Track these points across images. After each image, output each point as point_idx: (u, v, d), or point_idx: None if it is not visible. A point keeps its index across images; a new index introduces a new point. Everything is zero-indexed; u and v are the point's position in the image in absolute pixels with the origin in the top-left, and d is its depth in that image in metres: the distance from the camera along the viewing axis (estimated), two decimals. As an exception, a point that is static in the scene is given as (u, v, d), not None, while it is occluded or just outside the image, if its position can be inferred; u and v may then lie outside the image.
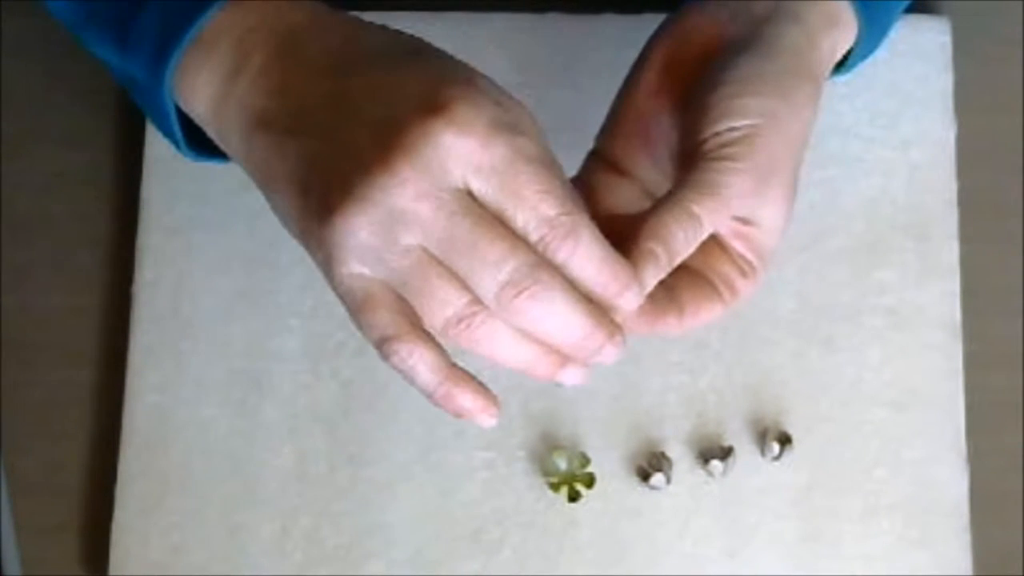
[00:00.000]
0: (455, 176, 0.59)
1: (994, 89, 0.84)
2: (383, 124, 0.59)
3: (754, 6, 0.68)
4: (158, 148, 0.83)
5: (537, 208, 0.60)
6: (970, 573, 0.77)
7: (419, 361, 0.61)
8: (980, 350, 0.80)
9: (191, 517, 0.78)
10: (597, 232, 0.61)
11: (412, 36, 0.64)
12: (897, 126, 0.82)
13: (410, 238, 0.59)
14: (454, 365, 0.62)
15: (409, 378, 0.62)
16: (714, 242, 0.66)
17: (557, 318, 0.60)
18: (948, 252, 0.81)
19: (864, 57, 0.72)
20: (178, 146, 0.69)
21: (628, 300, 0.61)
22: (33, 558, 0.79)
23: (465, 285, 0.60)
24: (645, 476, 0.78)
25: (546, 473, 0.78)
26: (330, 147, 0.61)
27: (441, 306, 0.60)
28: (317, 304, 0.81)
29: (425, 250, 0.60)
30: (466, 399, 0.62)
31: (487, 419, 0.63)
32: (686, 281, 0.66)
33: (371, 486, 0.79)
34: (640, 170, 0.68)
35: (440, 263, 0.60)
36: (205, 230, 0.82)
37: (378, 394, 0.80)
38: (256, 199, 0.82)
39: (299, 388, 0.80)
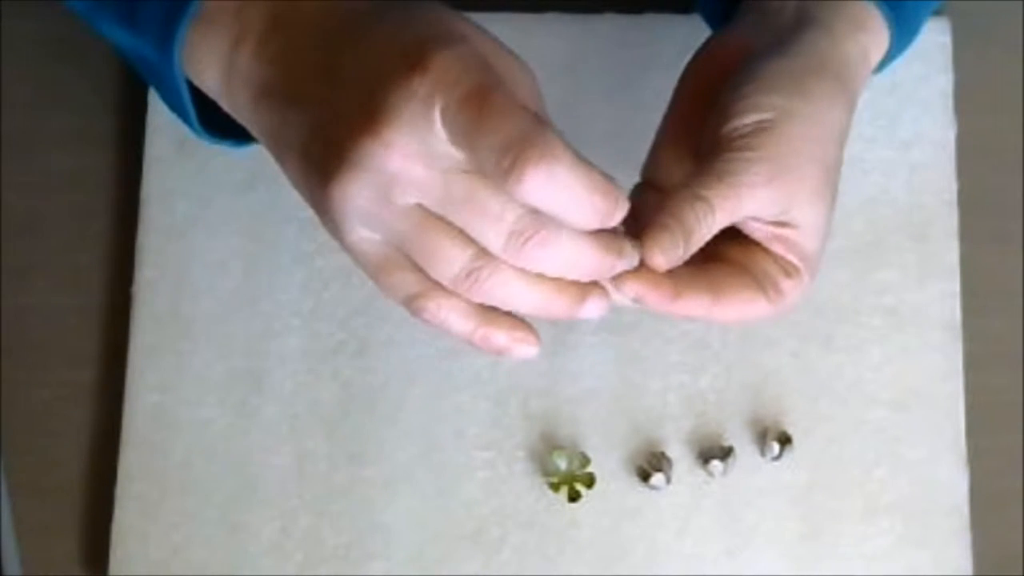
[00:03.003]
0: (442, 131, 0.59)
1: (994, 89, 0.84)
2: (370, 87, 0.59)
3: (778, 21, 0.69)
4: (158, 148, 0.83)
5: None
6: (970, 573, 0.77)
7: (450, 312, 0.62)
8: (980, 350, 0.80)
9: (191, 517, 0.78)
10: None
11: None
12: (897, 126, 0.82)
13: (407, 199, 0.59)
14: (484, 307, 0.62)
15: (444, 330, 0.62)
16: (757, 244, 0.66)
17: (567, 255, 0.60)
18: (948, 252, 0.81)
19: (894, 58, 0.72)
20: (192, 126, 0.69)
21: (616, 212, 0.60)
22: (33, 558, 0.79)
23: (468, 239, 0.60)
24: (645, 476, 0.78)
25: (546, 473, 0.78)
26: (325, 114, 0.61)
27: (447, 263, 0.60)
28: (317, 304, 0.81)
29: (424, 209, 0.60)
30: (503, 337, 0.63)
31: (528, 350, 0.63)
32: (727, 271, 0.65)
33: (371, 486, 0.79)
34: None
35: (441, 220, 0.60)
36: (205, 230, 0.82)
37: (378, 394, 0.80)
38: (256, 199, 0.82)
39: (299, 388, 0.80)
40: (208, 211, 0.82)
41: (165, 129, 0.82)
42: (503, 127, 0.57)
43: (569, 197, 0.58)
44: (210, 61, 0.65)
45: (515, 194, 0.57)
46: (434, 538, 0.78)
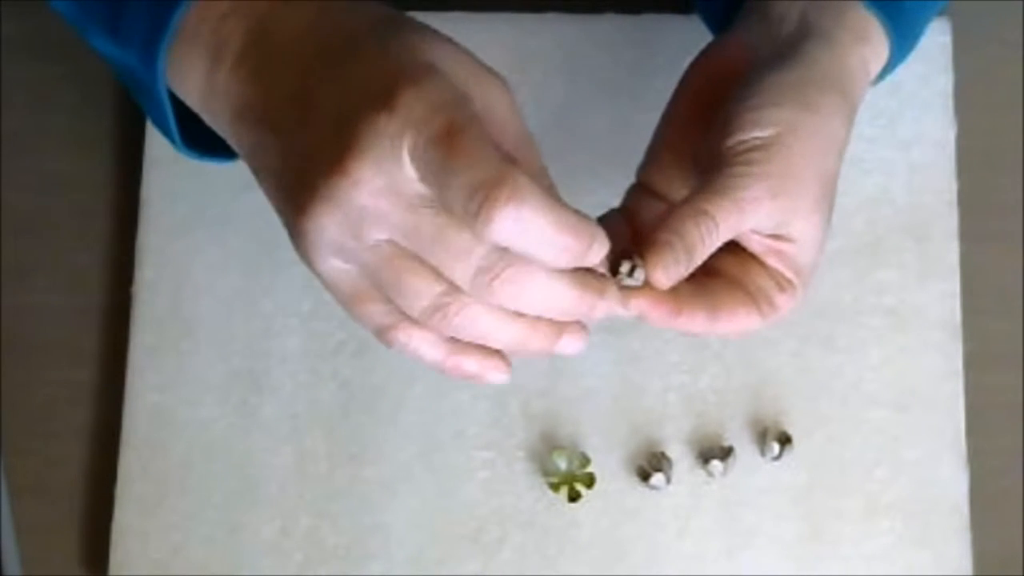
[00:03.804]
0: (410, 170, 0.58)
1: (994, 89, 0.84)
2: (340, 120, 0.59)
3: (781, 29, 0.68)
4: (158, 148, 0.83)
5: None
6: (970, 573, 0.77)
7: (421, 342, 0.62)
8: (980, 350, 0.80)
9: (191, 517, 0.78)
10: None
11: (378, 15, 0.63)
12: (897, 126, 0.82)
13: (376, 234, 0.59)
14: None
15: (415, 359, 0.62)
16: (752, 258, 0.66)
17: (539, 292, 0.60)
18: (948, 252, 0.81)
19: (893, 68, 0.72)
20: (173, 141, 0.69)
21: (594, 252, 0.59)
22: (33, 558, 0.79)
23: (438, 274, 0.60)
24: (645, 476, 0.78)
25: (546, 473, 0.78)
26: (298, 143, 0.61)
27: (415, 298, 0.60)
28: (317, 304, 0.81)
29: (394, 244, 0.60)
30: (473, 364, 0.63)
31: (498, 375, 0.63)
32: (723, 287, 0.66)
33: (371, 486, 0.79)
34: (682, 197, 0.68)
35: (411, 255, 0.60)
36: (205, 230, 0.82)
37: (378, 394, 0.80)
38: (256, 199, 0.82)
39: (299, 388, 0.80)
40: (208, 211, 0.82)
41: (165, 129, 0.82)
42: (471, 168, 0.57)
43: (538, 237, 0.57)
44: (191, 76, 0.65)
45: (484, 236, 0.57)
46: (434, 538, 0.78)
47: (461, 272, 0.59)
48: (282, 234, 0.81)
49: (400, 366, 0.80)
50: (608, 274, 0.62)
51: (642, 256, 0.62)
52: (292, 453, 0.79)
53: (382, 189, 0.58)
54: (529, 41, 0.83)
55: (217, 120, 0.65)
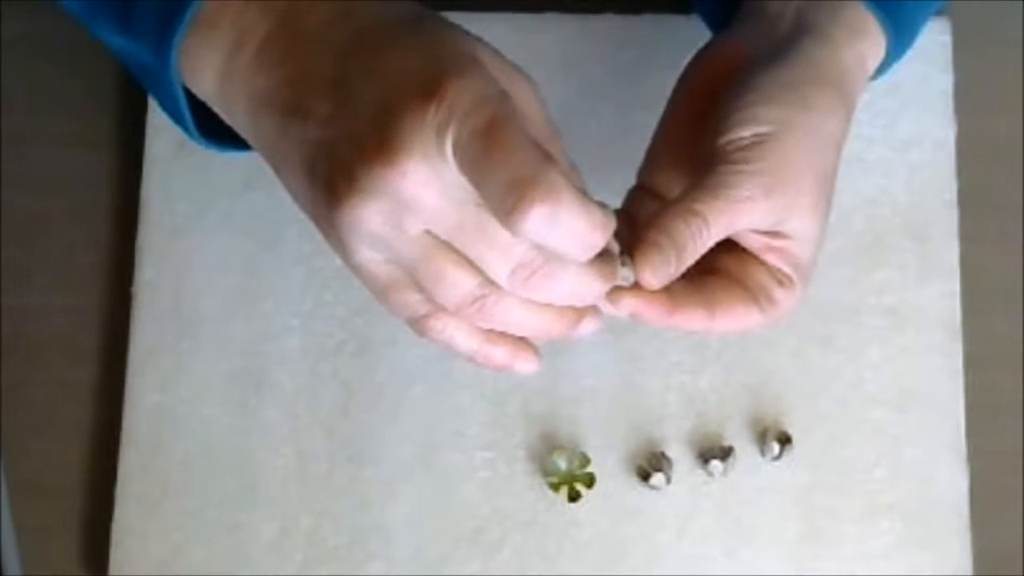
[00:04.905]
0: (452, 161, 0.58)
1: (994, 89, 0.84)
2: (381, 109, 0.59)
3: (778, 27, 0.68)
4: (158, 148, 0.83)
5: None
6: (970, 573, 0.77)
7: (456, 331, 0.63)
8: (980, 350, 0.80)
9: (191, 517, 0.78)
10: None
11: (410, 7, 0.63)
12: (897, 126, 0.82)
13: (417, 225, 0.59)
14: None
15: (448, 348, 0.63)
16: (750, 255, 0.66)
17: (570, 286, 0.60)
18: (948, 252, 0.81)
19: (891, 64, 0.72)
20: (189, 132, 0.68)
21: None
22: (33, 558, 0.79)
23: (474, 267, 0.60)
24: (645, 476, 0.78)
25: (546, 473, 0.78)
26: (332, 133, 0.60)
27: (452, 289, 0.60)
28: (317, 304, 0.81)
29: (433, 236, 0.60)
30: (504, 354, 0.64)
31: (527, 366, 0.64)
32: (720, 284, 0.66)
33: (371, 486, 0.79)
34: None
35: (449, 247, 0.60)
36: (205, 230, 0.82)
37: (378, 394, 0.80)
38: (256, 199, 0.82)
39: (299, 388, 0.80)
40: (208, 211, 0.82)
41: (165, 130, 0.82)
42: (509, 164, 0.57)
43: (570, 236, 0.58)
44: (207, 66, 0.64)
45: (517, 232, 0.57)
46: (434, 538, 0.78)
47: (500, 267, 0.60)
48: (282, 234, 0.82)
49: (400, 366, 0.80)
50: (617, 256, 0.62)
51: (631, 255, 0.62)
52: (292, 453, 0.79)
53: (427, 181, 0.58)
54: (529, 41, 0.83)
55: (233, 109, 0.64)
